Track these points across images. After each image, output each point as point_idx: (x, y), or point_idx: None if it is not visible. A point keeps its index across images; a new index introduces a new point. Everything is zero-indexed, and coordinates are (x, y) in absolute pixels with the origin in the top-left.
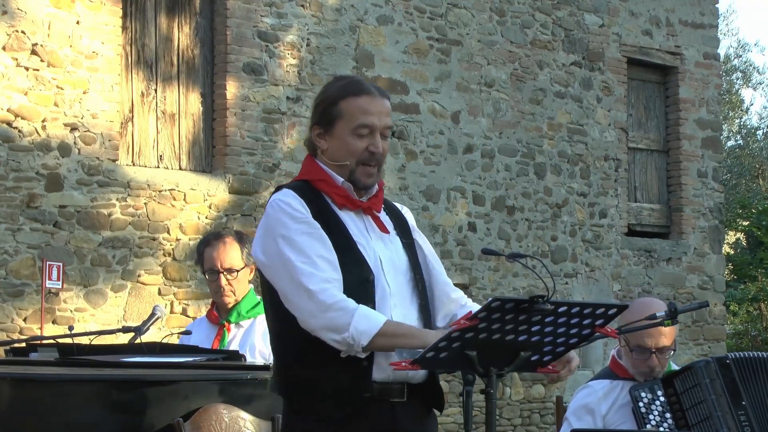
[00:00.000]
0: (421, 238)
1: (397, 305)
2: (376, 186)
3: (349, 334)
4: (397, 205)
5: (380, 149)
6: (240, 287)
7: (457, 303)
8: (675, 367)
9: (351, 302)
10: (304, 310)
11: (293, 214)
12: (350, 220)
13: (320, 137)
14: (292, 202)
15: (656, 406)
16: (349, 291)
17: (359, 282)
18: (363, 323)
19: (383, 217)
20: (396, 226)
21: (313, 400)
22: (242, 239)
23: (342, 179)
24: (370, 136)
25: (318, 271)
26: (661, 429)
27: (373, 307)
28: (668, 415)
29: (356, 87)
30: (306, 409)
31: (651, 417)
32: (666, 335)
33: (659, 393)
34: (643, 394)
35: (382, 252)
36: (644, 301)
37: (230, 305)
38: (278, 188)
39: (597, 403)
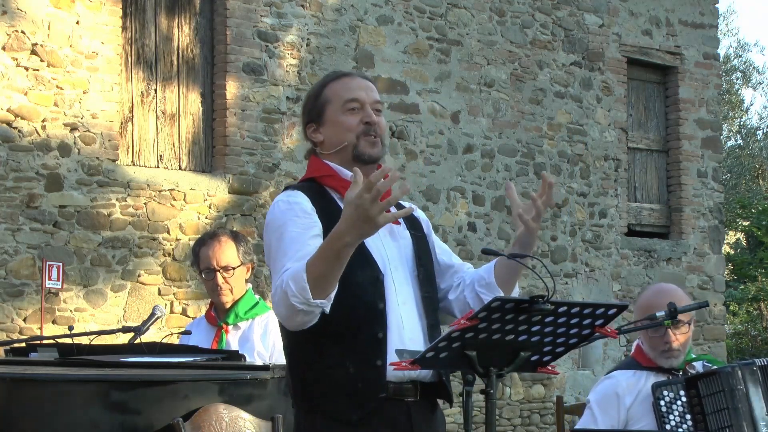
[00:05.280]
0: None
1: (406, 302)
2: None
3: (297, 300)
4: (406, 203)
5: (374, 119)
6: (237, 285)
7: (460, 269)
8: (694, 354)
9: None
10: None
11: (293, 209)
12: None
13: (315, 132)
14: (295, 199)
15: (677, 406)
16: (361, 290)
17: (371, 281)
18: (292, 285)
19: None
20: (406, 220)
21: (328, 400)
22: (238, 238)
23: (349, 173)
24: (360, 110)
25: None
26: (680, 431)
27: (384, 307)
28: (688, 416)
29: (335, 74)
30: (321, 409)
31: (671, 417)
32: None
33: (682, 393)
34: (665, 392)
35: (390, 247)
36: (660, 289)
37: (228, 304)
38: (285, 189)
39: (622, 394)
